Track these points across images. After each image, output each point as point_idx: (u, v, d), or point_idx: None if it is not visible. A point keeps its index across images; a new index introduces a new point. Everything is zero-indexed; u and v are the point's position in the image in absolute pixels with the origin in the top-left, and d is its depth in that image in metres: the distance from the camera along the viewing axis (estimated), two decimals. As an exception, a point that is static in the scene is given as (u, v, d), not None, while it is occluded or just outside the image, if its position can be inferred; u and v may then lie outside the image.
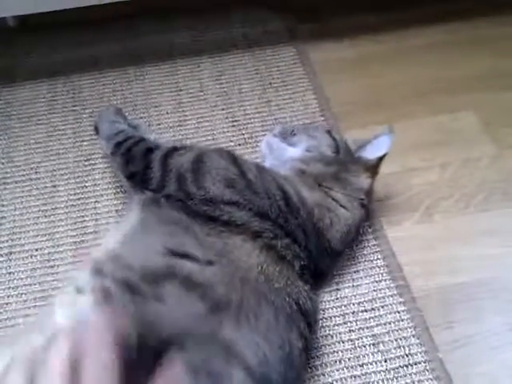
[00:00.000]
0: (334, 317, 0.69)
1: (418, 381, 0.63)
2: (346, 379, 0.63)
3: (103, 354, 0.41)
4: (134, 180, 0.69)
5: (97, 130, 0.85)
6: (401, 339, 0.66)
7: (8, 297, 0.72)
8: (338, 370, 0.64)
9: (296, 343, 0.55)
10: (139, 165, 0.69)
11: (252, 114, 0.94)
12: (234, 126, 0.92)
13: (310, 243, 0.64)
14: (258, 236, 0.60)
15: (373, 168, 0.72)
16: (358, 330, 0.67)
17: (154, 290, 0.53)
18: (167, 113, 0.94)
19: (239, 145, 0.89)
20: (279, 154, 0.75)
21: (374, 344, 0.66)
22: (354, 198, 0.70)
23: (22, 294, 0.72)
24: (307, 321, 0.58)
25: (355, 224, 0.69)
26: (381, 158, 0.72)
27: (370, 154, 0.72)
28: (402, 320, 0.68)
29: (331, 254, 0.67)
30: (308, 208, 0.65)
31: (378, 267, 0.73)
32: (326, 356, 0.65)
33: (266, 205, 0.62)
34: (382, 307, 0.69)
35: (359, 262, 0.73)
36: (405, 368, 0.64)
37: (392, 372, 0.64)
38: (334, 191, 0.69)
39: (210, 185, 0.63)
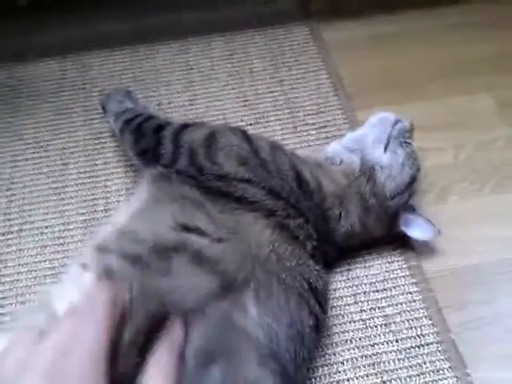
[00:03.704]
0: (346, 297, 0.68)
1: (430, 361, 0.62)
2: (356, 359, 0.63)
3: (93, 339, 0.42)
4: (145, 157, 0.68)
5: (104, 109, 0.84)
6: (413, 320, 0.66)
7: (18, 274, 0.71)
8: (348, 350, 0.64)
9: (307, 321, 0.55)
10: (150, 141, 0.68)
11: (264, 93, 0.93)
12: (245, 105, 0.91)
13: (318, 227, 0.63)
14: (271, 214, 0.59)
15: (391, 228, 0.70)
16: (370, 310, 0.67)
17: (163, 264, 0.52)
18: (178, 92, 0.93)
19: (250, 124, 0.87)
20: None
21: (385, 324, 0.66)
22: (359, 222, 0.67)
23: (31, 270, 0.72)
24: (318, 300, 0.57)
25: (357, 233, 0.67)
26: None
27: (410, 228, 0.69)
28: (414, 301, 0.68)
29: (333, 244, 0.66)
30: (322, 195, 0.64)
31: (391, 248, 0.72)
32: (336, 335, 0.65)
33: (278, 184, 0.61)
34: (394, 288, 0.69)
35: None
36: (416, 349, 0.64)
37: (403, 352, 0.63)
38: (351, 205, 0.66)
39: (223, 161, 0.62)
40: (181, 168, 0.63)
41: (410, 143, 0.71)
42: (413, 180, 0.69)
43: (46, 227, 0.76)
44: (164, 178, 0.63)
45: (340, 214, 0.65)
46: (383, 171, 0.68)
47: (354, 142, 0.72)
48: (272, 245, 0.57)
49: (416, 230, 0.69)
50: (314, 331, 0.56)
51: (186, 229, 0.56)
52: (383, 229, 0.69)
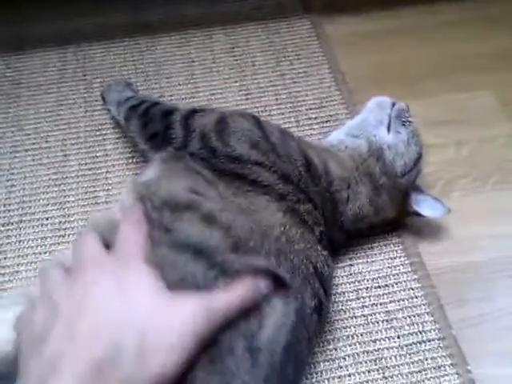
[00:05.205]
0: (348, 292, 0.68)
1: (431, 358, 0.62)
2: (358, 354, 0.63)
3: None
4: (155, 141, 0.67)
5: (104, 99, 0.84)
6: (414, 316, 0.66)
7: (18, 265, 0.71)
8: (350, 345, 0.64)
9: (308, 302, 0.54)
10: (159, 126, 0.67)
11: (266, 87, 0.92)
12: (247, 98, 0.91)
13: (326, 212, 0.63)
14: (282, 198, 0.59)
15: (402, 208, 0.70)
16: (372, 305, 0.67)
17: (175, 216, 0.53)
18: (179, 84, 0.93)
19: (253, 118, 0.87)
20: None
21: (387, 320, 0.66)
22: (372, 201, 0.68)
23: (32, 262, 0.71)
24: (322, 284, 0.57)
25: (366, 215, 0.67)
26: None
27: (421, 207, 0.70)
28: (416, 297, 0.67)
29: (341, 228, 0.66)
30: (329, 178, 0.64)
31: (393, 244, 0.72)
32: (338, 331, 0.65)
33: (288, 169, 0.62)
34: (396, 284, 0.69)
35: (374, 238, 0.72)
36: (418, 345, 0.64)
37: (405, 348, 0.63)
38: (360, 187, 0.67)
39: (235, 144, 0.62)
40: (193, 151, 0.63)
41: (410, 121, 0.73)
42: (419, 156, 0.71)
43: (47, 219, 0.76)
44: (176, 158, 0.63)
45: (348, 196, 0.66)
46: (391, 150, 0.69)
47: (355, 127, 0.73)
48: (283, 227, 0.57)
49: (427, 209, 0.69)
50: (315, 314, 0.55)
51: (199, 194, 0.56)
52: (394, 208, 0.70)
